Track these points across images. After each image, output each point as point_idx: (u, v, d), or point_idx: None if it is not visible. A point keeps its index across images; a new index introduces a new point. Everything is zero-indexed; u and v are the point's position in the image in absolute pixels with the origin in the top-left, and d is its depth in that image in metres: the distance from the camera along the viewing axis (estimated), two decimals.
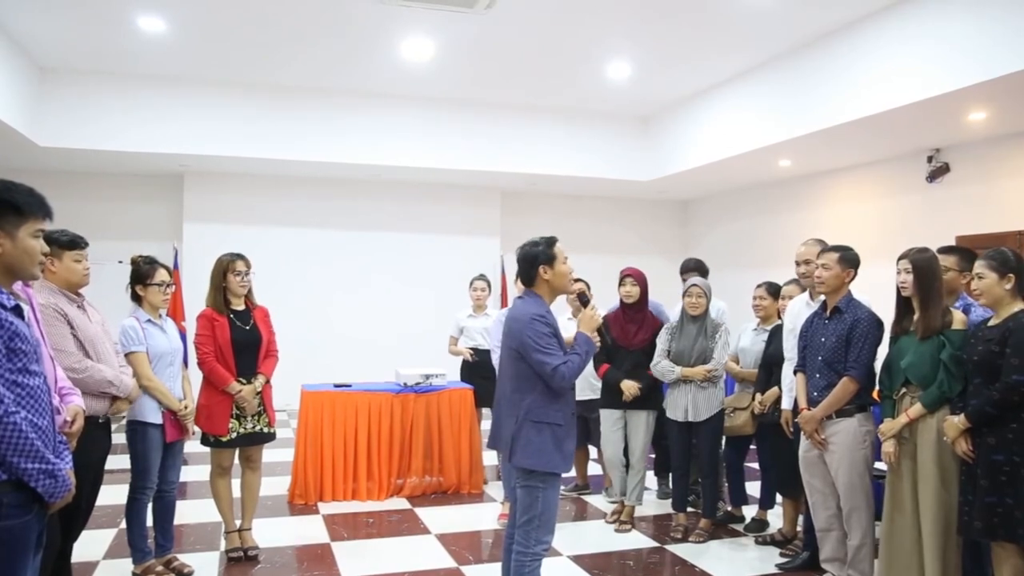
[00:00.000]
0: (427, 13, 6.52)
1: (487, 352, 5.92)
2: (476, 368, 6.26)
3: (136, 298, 4.12)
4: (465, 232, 10.80)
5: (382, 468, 5.87)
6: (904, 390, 3.63)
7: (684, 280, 5.44)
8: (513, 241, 10.62)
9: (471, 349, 6.33)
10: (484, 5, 6.28)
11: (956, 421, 3.32)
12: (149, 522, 4.12)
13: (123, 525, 4.23)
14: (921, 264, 3.62)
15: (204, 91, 8.50)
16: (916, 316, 3.64)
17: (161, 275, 4.10)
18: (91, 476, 3.51)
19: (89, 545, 4.43)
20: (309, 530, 5.13)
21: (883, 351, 3.87)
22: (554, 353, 3.20)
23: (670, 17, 6.57)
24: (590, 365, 5.00)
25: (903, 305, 3.75)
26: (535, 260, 3.35)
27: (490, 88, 8.80)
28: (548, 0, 6.25)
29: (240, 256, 4.44)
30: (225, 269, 4.38)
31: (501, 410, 3.38)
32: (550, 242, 3.38)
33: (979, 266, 3.34)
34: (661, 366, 4.93)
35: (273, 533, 4.94)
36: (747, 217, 10.75)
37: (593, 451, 6.04)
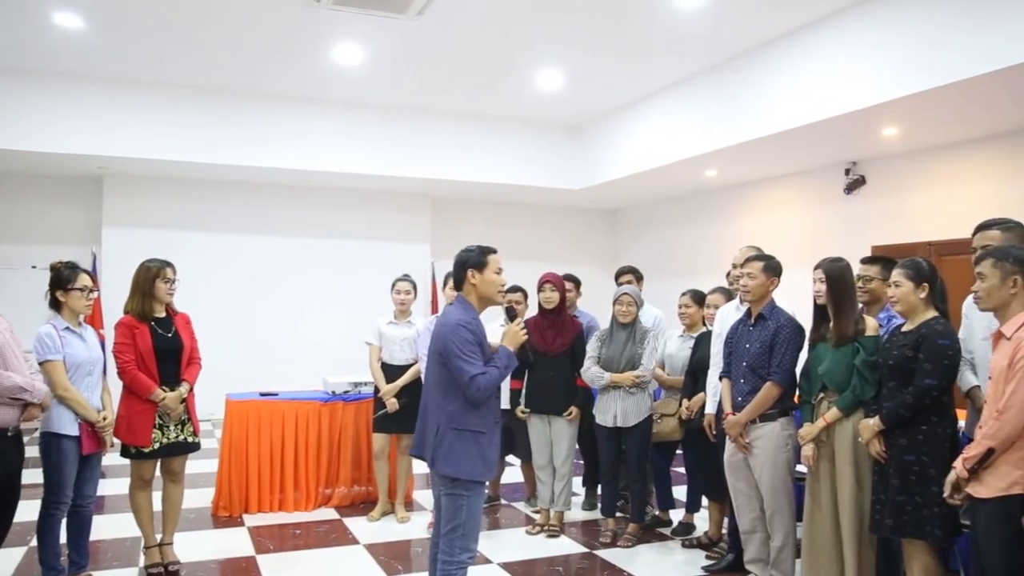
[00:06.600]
0: (358, 18, 6.46)
1: (403, 368, 5.46)
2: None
3: (55, 304, 3.97)
4: (395, 238, 10.73)
5: (309, 478, 5.78)
6: (822, 395, 3.76)
7: (619, 284, 5.51)
8: (443, 248, 10.68)
9: (383, 362, 5.52)
10: (415, 11, 6.26)
11: (871, 423, 3.46)
12: (63, 539, 3.95)
13: (34, 543, 4.05)
14: (834, 273, 3.77)
15: (125, 91, 8.22)
16: (831, 324, 3.78)
17: (83, 280, 3.99)
18: (1, 493, 3.35)
19: None
20: (233, 543, 5.00)
21: (804, 357, 4.00)
22: (474, 362, 3.20)
23: (601, 30, 6.68)
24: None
25: (819, 313, 3.88)
26: (465, 263, 3.37)
27: (421, 94, 8.77)
28: (480, 8, 6.27)
29: (169, 263, 4.34)
30: (155, 276, 4.24)
31: (427, 417, 3.36)
32: (484, 250, 3.41)
33: (896, 275, 3.48)
34: (591, 372, 4.99)
35: (195, 547, 4.80)
36: (675, 226, 10.97)
37: (513, 460, 6.00)
